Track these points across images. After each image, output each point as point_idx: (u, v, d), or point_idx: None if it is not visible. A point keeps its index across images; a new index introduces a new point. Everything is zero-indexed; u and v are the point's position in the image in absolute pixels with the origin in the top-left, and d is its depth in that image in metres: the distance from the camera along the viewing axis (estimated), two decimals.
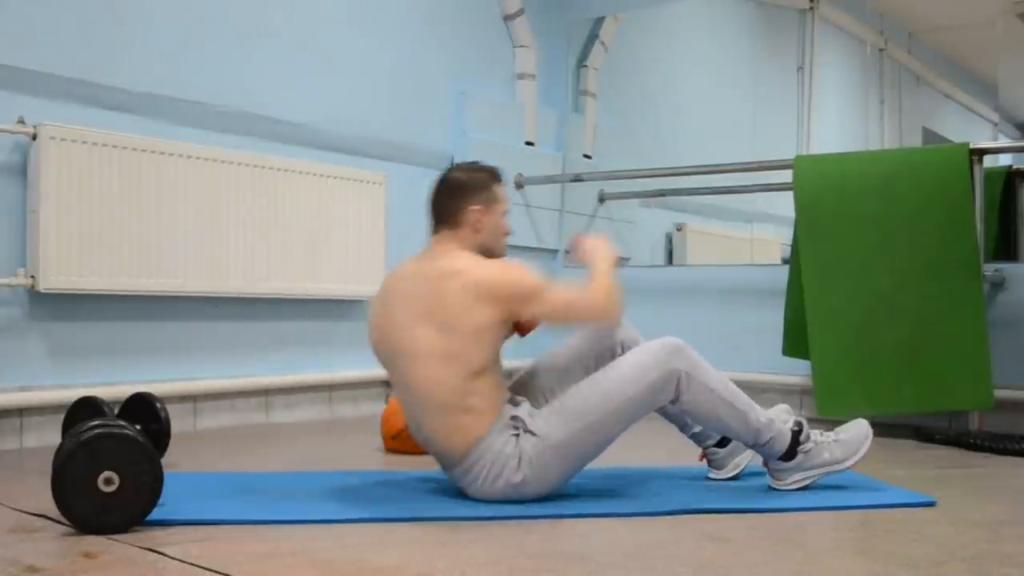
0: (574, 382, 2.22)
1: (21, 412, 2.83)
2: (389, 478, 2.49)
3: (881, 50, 4.51)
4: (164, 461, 2.10)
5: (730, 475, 2.46)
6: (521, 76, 4.46)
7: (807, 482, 2.29)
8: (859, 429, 2.34)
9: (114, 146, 2.95)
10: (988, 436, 3.16)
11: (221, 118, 3.33)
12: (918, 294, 3.21)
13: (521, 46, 4.45)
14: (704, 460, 2.51)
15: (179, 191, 3.11)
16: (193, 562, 1.63)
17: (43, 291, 2.80)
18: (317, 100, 3.63)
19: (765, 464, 2.33)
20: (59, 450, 1.82)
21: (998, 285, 3.38)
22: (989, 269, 3.32)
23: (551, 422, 2.12)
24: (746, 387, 2.27)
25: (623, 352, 2.30)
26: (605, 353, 2.33)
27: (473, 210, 2.22)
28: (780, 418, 2.31)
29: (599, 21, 4.68)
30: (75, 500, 1.79)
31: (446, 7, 4.17)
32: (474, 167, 2.31)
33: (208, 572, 1.58)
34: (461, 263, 2.14)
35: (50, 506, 1.84)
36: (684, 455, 2.68)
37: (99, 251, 2.91)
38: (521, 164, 4.32)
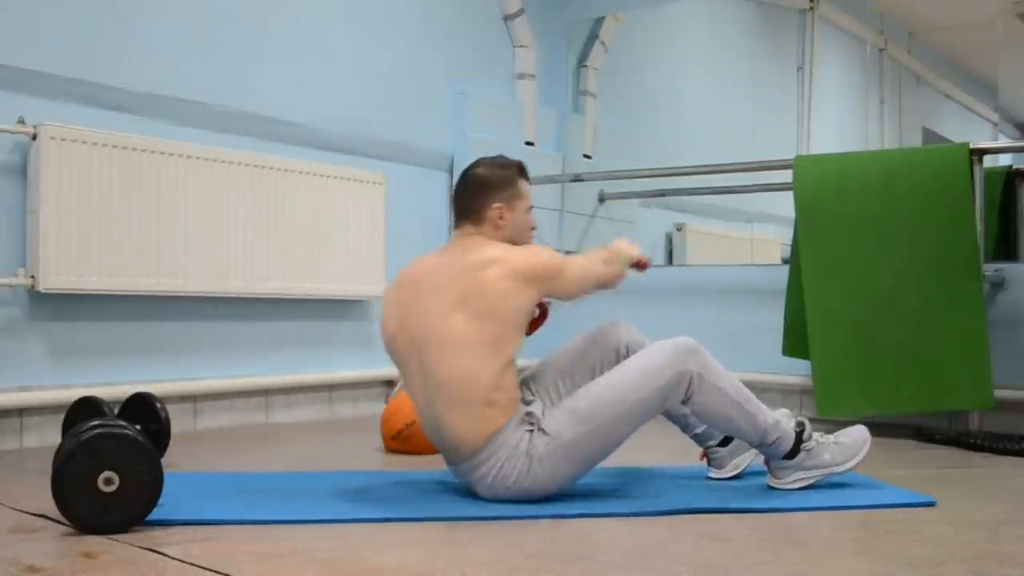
0: (579, 383, 2.23)
1: (21, 412, 2.83)
2: (389, 478, 2.49)
3: (881, 50, 4.51)
4: (164, 461, 2.10)
5: (730, 474, 2.46)
6: (521, 76, 4.46)
7: (806, 483, 2.29)
8: (858, 433, 2.36)
9: (114, 146, 2.95)
10: (988, 436, 3.16)
11: (221, 118, 3.33)
12: (918, 294, 3.21)
13: (521, 46, 4.45)
14: (704, 459, 2.51)
15: (179, 191, 3.11)
16: (193, 562, 1.63)
17: (43, 291, 2.80)
18: (317, 100, 3.63)
19: (767, 463, 2.33)
20: (59, 450, 1.82)
21: (998, 285, 3.38)
22: (989, 269, 3.32)
23: (563, 422, 2.12)
24: (746, 387, 2.27)
25: (627, 353, 2.30)
26: (609, 354, 2.33)
27: (496, 207, 2.23)
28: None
29: (599, 21, 4.68)
30: (75, 500, 1.79)
31: (446, 7, 4.17)
32: (498, 162, 2.31)
33: (208, 572, 1.58)
34: (495, 252, 2.16)
35: (50, 506, 1.84)
36: (684, 455, 2.68)
37: (99, 251, 2.91)
38: None
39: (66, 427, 2.55)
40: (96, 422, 1.85)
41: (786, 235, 3.73)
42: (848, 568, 1.76)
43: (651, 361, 2.17)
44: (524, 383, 2.33)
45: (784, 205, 3.61)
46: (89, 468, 1.79)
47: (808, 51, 4.62)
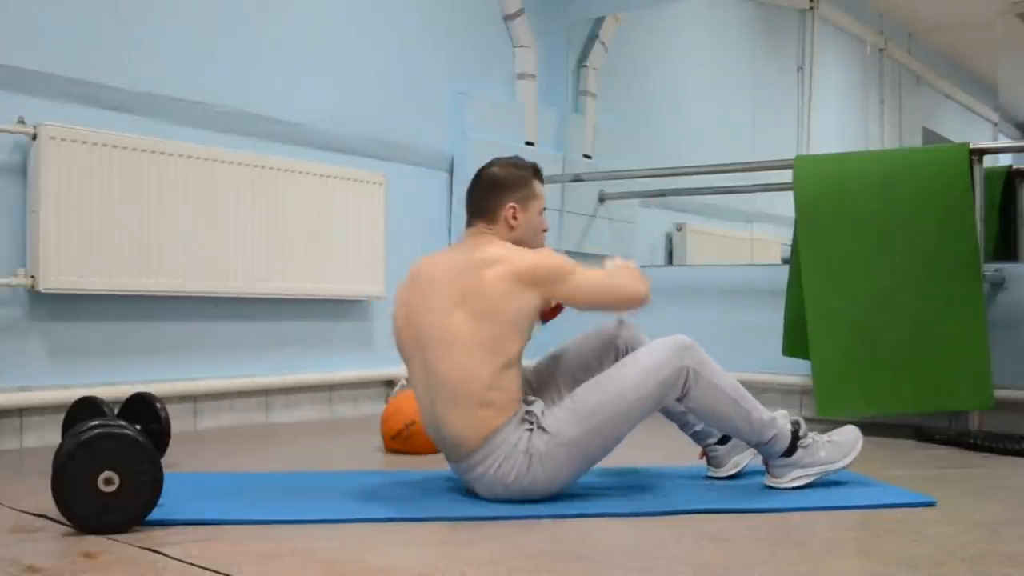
0: (580, 381, 2.23)
1: (21, 412, 2.83)
2: (389, 478, 2.49)
3: (881, 50, 4.51)
4: (164, 461, 2.10)
5: (730, 473, 2.47)
6: (521, 76, 4.46)
7: (805, 481, 2.30)
8: (850, 432, 2.38)
9: (114, 146, 2.96)
10: (988, 436, 3.16)
11: (221, 118, 3.33)
12: (918, 294, 3.21)
13: (521, 46, 4.45)
14: (704, 458, 2.51)
15: (179, 191, 3.11)
16: (193, 562, 1.63)
17: (43, 291, 2.80)
18: (317, 100, 3.63)
19: (765, 463, 2.34)
20: (59, 450, 1.82)
21: (998, 285, 3.38)
22: (989, 269, 3.32)
23: (563, 420, 2.13)
24: (746, 387, 2.28)
25: (627, 350, 2.31)
26: (609, 351, 2.34)
27: (510, 206, 2.24)
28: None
29: (599, 21, 4.68)
30: (75, 500, 1.79)
31: (446, 7, 4.17)
32: (513, 163, 2.31)
33: (208, 572, 1.58)
34: (499, 252, 2.15)
35: (50, 506, 1.84)
36: (683, 455, 2.68)
37: (99, 251, 2.91)
38: None
39: (66, 427, 2.55)
40: (96, 422, 1.85)
41: (786, 235, 3.73)
42: (848, 568, 1.76)
43: (649, 358, 2.18)
44: (524, 381, 2.34)
45: (784, 205, 3.61)
46: (89, 468, 1.79)
47: (808, 51, 4.62)
